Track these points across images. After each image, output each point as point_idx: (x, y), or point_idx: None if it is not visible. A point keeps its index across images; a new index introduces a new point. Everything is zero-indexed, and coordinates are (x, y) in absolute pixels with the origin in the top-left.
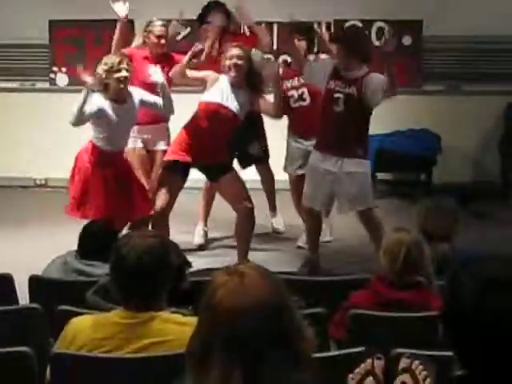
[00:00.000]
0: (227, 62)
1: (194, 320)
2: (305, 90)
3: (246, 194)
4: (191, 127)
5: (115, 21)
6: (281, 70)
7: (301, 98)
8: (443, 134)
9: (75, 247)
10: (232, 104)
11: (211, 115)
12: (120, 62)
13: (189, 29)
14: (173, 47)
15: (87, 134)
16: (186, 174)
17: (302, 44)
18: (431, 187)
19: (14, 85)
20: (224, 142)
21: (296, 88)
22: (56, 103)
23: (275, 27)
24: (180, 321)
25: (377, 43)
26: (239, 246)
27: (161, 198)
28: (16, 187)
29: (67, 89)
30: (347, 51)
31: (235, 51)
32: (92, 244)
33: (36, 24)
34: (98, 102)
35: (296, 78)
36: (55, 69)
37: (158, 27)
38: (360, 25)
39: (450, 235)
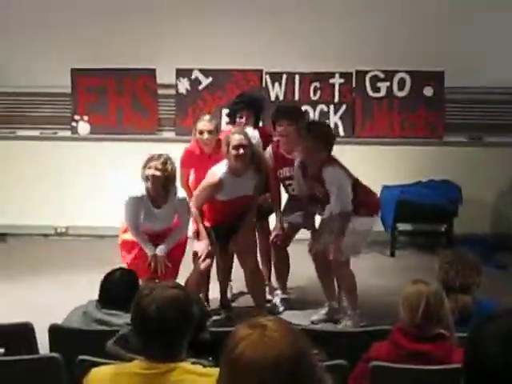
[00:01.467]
0: (233, 152)
1: (214, 371)
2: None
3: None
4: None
5: (137, 70)
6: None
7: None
8: (464, 184)
9: (96, 297)
10: (244, 192)
11: (229, 206)
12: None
13: (210, 79)
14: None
15: (109, 181)
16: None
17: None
18: (452, 238)
19: (36, 133)
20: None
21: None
22: (77, 152)
23: (297, 77)
24: (200, 372)
25: (398, 94)
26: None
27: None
28: (37, 235)
29: (89, 137)
30: None
31: (239, 138)
32: (113, 294)
33: (58, 72)
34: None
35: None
36: (77, 117)
37: (205, 134)
38: (380, 74)
39: (470, 287)
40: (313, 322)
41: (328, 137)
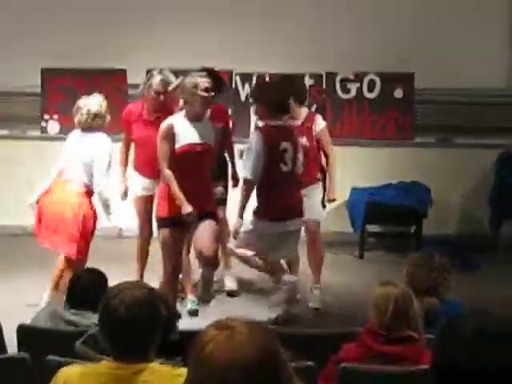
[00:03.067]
0: (202, 94)
1: (182, 371)
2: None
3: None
4: (176, 179)
5: (107, 70)
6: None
7: None
8: (434, 186)
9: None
10: (203, 138)
11: (191, 158)
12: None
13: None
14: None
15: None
16: (184, 225)
17: None
18: (422, 240)
19: (5, 132)
20: (210, 187)
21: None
22: (47, 151)
23: (267, 78)
24: (169, 372)
25: (368, 95)
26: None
27: (171, 260)
28: (6, 235)
29: (58, 137)
30: None
31: (208, 81)
32: (82, 294)
33: (28, 72)
34: None
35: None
36: (47, 117)
37: (157, 83)
38: (351, 77)
39: (437, 289)
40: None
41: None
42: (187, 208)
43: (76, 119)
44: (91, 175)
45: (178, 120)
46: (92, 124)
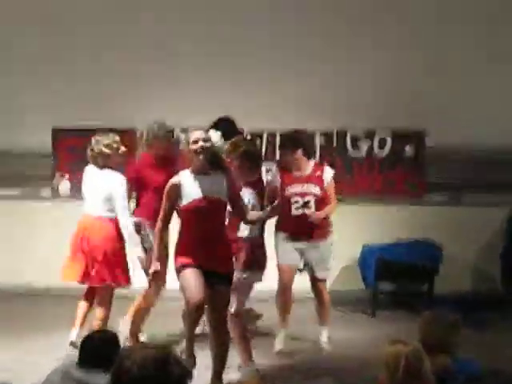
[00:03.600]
0: (193, 147)
1: None
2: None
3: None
4: (188, 235)
5: (117, 130)
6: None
7: (306, 205)
8: (445, 243)
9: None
10: (210, 193)
11: (198, 214)
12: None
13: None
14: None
15: None
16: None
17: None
18: (433, 297)
19: (16, 192)
20: (225, 244)
21: (301, 195)
22: (58, 210)
23: (278, 136)
24: None
25: (379, 153)
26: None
27: (193, 295)
28: (17, 295)
29: (70, 196)
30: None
31: (198, 133)
32: (93, 354)
33: (39, 131)
34: None
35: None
36: (58, 176)
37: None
38: (361, 134)
39: (449, 347)
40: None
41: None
42: (156, 265)
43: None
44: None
45: (185, 176)
46: (100, 160)
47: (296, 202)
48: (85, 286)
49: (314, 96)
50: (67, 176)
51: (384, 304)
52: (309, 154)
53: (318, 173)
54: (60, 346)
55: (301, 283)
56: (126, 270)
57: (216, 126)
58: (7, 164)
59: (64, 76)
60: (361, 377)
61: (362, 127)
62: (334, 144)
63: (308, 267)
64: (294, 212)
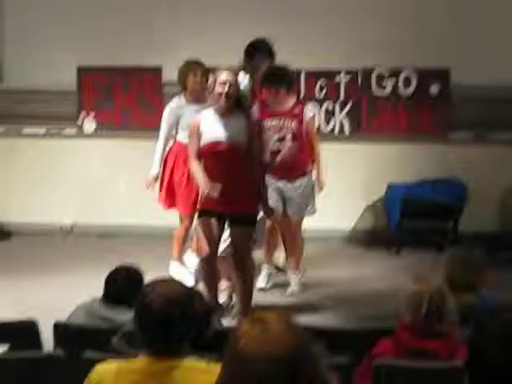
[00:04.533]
0: (218, 89)
1: (217, 368)
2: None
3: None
4: (208, 176)
5: (142, 68)
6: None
7: (282, 140)
8: (470, 182)
9: (101, 293)
10: (229, 135)
11: (215, 156)
12: None
13: None
14: None
15: (114, 179)
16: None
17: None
18: (458, 236)
19: (41, 130)
20: (247, 185)
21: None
22: (83, 149)
23: (303, 75)
24: (203, 369)
25: (404, 92)
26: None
27: (204, 247)
28: (43, 232)
29: (95, 134)
30: None
31: (226, 76)
32: (118, 290)
33: (64, 70)
34: None
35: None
36: (83, 115)
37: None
38: (386, 72)
39: (475, 285)
40: (263, 289)
41: None
42: (207, 186)
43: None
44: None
45: (207, 116)
46: None
47: (272, 136)
48: None
49: (339, 34)
50: (92, 114)
51: (409, 242)
52: (290, 90)
53: (297, 109)
54: (85, 283)
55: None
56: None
57: (253, 48)
58: (33, 103)
59: (90, 14)
60: (383, 310)
61: (386, 66)
62: (359, 83)
63: (285, 205)
64: (271, 147)
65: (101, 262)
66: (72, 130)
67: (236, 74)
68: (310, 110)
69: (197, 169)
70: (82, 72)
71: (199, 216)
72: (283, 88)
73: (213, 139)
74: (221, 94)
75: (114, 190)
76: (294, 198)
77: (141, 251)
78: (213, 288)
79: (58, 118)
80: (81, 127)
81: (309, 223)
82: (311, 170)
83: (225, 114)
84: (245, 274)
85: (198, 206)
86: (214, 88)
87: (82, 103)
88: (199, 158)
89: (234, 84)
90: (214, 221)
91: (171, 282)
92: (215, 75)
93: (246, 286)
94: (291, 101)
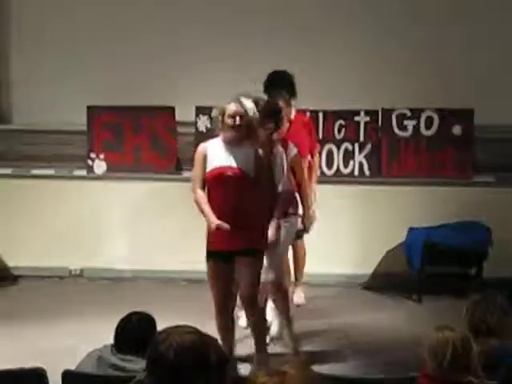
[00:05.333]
0: (228, 122)
1: None
2: None
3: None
4: (213, 209)
5: (155, 108)
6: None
7: None
8: (494, 226)
9: (111, 341)
10: (236, 163)
11: (221, 184)
12: None
13: None
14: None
15: (125, 222)
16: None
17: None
18: (482, 282)
19: (50, 172)
20: (255, 218)
21: None
22: (93, 191)
23: (321, 115)
24: None
25: (426, 133)
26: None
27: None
28: (51, 277)
29: (105, 176)
30: None
31: (235, 107)
32: (129, 338)
33: (74, 109)
34: None
35: None
36: (93, 155)
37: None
38: (407, 113)
39: (498, 330)
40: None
41: None
42: (214, 221)
43: None
44: None
45: (214, 144)
46: None
47: None
48: None
49: (358, 73)
50: (102, 156)
51: (430, 288)
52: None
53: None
54: (96, 332)
55: None
56: None
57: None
58: (42, 143)
59: (101, 58)
60: (404, 359)
61: (407, 106)
62: (379, 123)
63: None
64: None
65: (112, 307)
66: (82, 172)
67: (255, 102)
68: (292, 149)
69: (202, 200)
70: (93, 112)
71: (207, 260)
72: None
73: (219, 166)
74: (231, 127)
75: (125, 234)
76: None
77: (154, 297)
78: (227, 339)
79: (68, 159)
80: (91, 168)
81: (326, 269)
82: (295, 214)
83: (233, 143)
84: (256, 316)
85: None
86: (223, 121)
87: (92, 144)
88: (204, 187)
89: (245, 115)
90: (222, 266)
91: (185, 329)
92: (223, 106)
93: (257, 331)
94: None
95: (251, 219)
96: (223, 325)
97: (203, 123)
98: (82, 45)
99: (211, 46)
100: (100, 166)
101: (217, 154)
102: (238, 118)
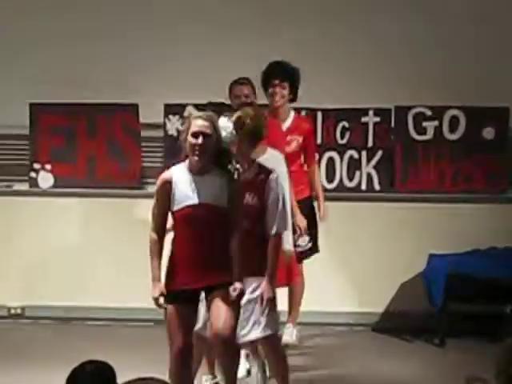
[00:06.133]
0: (191, 140)
1: None
2: None
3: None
4: (181, 250)
5: (114, 105)
6: None
7: None
8: None
9: None
10: (204, 197)
11: (193, 223)
12: None
13: None
14: None
15: (76, 247)
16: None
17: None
18: None
19: None
20: (225, 255)
21: None
22: (37, 209)
23: (319, 115)
24: None
25: (450, 136)
26: None
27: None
28: None
29: (52, 192)
30: None
31: (201, 124)
32: None
33: (14, 109)
34: None
35: None
36: (37, 166)
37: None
38: (427, 111)
39: None
40: None
41: None
42: (154, 290)
43: None
44: None
45: (179, 173)
46: None
47: None
48: None
49: (367, 63)
50: (49, 167)
51: (456, 330)
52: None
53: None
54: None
55: None
56: None
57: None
58: None
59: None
60: None
61: (427, 103)
62: (392, 124)
63: None
64: None
65: (60, 355)
66: (23, 186)
67: (212, 120)
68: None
69: (154, 248)
70: (37, 111)
71: (166, 301)
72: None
73: (189, 202)
74: (194, 149)
75: (76, 263)
76: None
77: (113, 341)
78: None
79: (6, 171)
80: (35, 182)
81: (331, 307)
82: None
83: (200, 171)
84: (229, 356)
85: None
86: (185, 137)
87: (37, 152)
88: (162, 228)
89: (210, 135)
90: (186, 306)
91: (153, 383)
92: (190, 119)
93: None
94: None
95: (221, 257)
96: (185, 375)
97: (173, 125)
98: (27, 32)
99: (180, 32)
100: (46, 179)
101: (185, 189)
102: (200, 138)
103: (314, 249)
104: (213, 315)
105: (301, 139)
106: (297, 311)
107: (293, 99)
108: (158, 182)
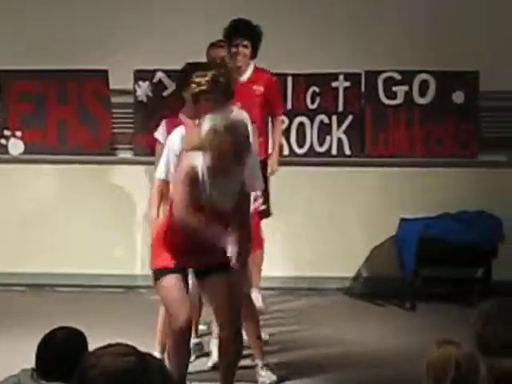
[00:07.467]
0: (211, 152)
1: None
2: None
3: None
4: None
5: (84, 71)
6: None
7: None
8: (506, 217)
9: (32, 364)
10: (219, 198)
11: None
12: None
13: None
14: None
15: (46, 214)
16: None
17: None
18: (490, 286)
19: None
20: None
21: None
22: (7, 177)
23: (289, 80)
24: None
25: (420, 101)
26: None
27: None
28: None
29: (22, 158)
30: None
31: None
32: (55, 361)
33: None
34: None
35: None
36: (7, 133)
37: None
38: (397, 76)
39: None
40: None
41: None
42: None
43: None
44: None
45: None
46: None
47: None
48: None
49: (336, 27)
50: (19, 134)
51: (427, 294)
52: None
53: None
54: (12, 352)
55: None
56: None
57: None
58: None
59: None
60: (394, 379)
61: (397, 68)
62: (362, 89)
63: None
64: None
65: (30, 320)
66: None
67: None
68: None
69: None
70: (6, 77)
71: (158, 277)
72: None
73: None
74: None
75: (44, 229)
76: None
77: (86, 307)
78: (183, 366)
79: None
80: (5, 149)
81: (302, 272)
82: None
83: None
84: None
85: (153, 264)
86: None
87: (6, 118)
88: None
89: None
90: (181, 278)
91: (121, 350)
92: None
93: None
94: None
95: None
96: (183, 349)
97: (144, 91)
98: None
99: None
100: (16, 146)
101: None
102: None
103: (266, 211)
104: (222, 299)
105: (262, 89)
106: (259, 276)
107: (253, 57)
108: (188, 168)
